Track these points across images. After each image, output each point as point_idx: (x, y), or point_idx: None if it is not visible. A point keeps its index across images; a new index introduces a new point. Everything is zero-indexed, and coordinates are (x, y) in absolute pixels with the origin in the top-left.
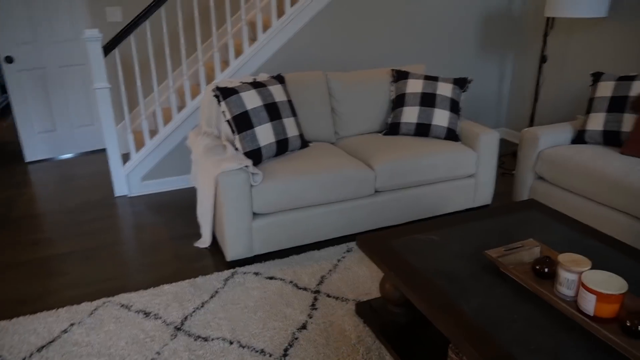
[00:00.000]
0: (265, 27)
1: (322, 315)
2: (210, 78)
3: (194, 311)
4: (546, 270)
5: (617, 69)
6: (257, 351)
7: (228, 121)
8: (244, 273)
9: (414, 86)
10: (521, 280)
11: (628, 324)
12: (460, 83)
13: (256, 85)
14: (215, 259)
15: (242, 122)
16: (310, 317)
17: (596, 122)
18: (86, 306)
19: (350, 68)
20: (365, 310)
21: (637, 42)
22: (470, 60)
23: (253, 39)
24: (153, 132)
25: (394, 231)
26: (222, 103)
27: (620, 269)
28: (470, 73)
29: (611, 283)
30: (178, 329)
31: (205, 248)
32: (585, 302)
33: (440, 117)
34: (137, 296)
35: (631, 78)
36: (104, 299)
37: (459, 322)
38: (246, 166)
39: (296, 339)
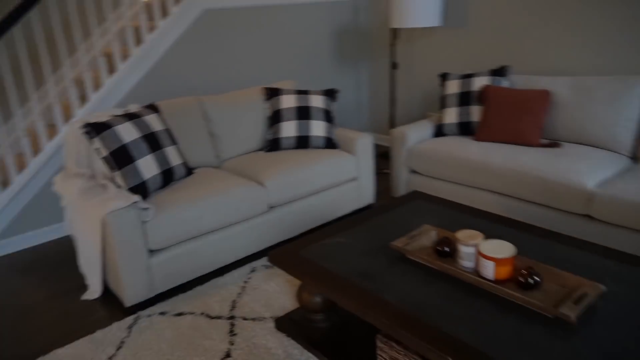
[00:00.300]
0: (124, 55)
1: (243, 340)
2: (66, 116)
3: None
4: (446, 249)
5: (456, 68)
6: None
7: (104, 158)
8: (149, 315)
9: (288, 101)
10: (428, 262)
11: (521, 280)
12: (330, 94)
13: (130, 116)
14: (111, 307)
15: (121, 157)
16: (232, 344)
17: (451, 116)
18: None
19: (220, 90)
20: (286, 324)
21: (467, 45)
22: (329, 72)
23: (111, 70)
24: (4, 183)
25: (301, 241)
26: (95, 139)
27: (503, 236)
28: (331, 84)
29: (503, 249)
30: None
31: (96, 299)
32: (485, 269)
33: (317, 128)
34: None
35: (472, 75)
36: None
37: (387, 313)
38: (135, 202)
39: None
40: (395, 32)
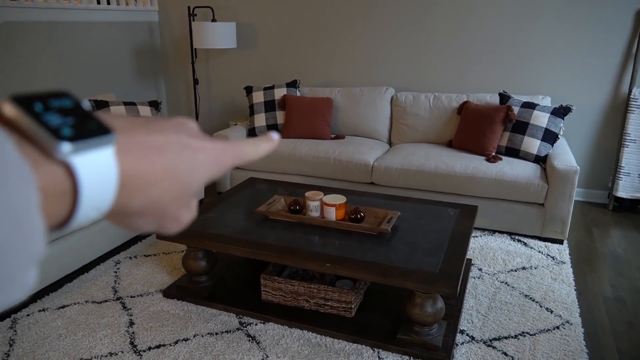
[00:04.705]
0: None
1: (140, 311)
2: None
3: None
4: (297, 207)
5: (249, 83)
6: (105, 356)
7: None
8: (27, 315)
9: (118, 112)
10: (286, 218)
11: (352, 217)
12: (155, 105)
13: None
14: None
15: None
16: (131, 315)
17: (260, 120)
18: None
19: None
20: (174, 291)
21: (257, 63)
22: (131, 87)
23: None
24: None
25: None
26: None
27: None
28: (136, 98)
29: (338, 199)
30: None
31: None
32: (329, 214)
33: None
34: None
35: (272, 87)
36: None
37: (272, 249)
38: None
39: (133, 332)
40: (195, 52)
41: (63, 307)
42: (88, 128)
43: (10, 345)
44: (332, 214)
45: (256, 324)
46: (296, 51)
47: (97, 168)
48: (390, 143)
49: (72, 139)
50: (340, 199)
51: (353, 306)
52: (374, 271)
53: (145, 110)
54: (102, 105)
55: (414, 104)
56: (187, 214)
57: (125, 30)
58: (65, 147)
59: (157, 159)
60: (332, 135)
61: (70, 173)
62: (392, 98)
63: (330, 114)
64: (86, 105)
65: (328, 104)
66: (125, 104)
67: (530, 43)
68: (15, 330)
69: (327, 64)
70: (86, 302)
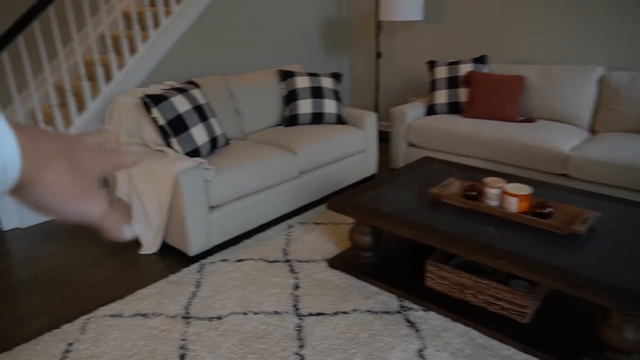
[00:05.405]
0: (144, 38)
1: (305, 276)
2: (93, 92)
3: (189, 301)
4: (474, 193)
5: (433, 58)
6: (271, 313)
7: (161, 127)
8: (212, 262)
9: (302, 82)
10: (461, 203)
11: (537, 211)
12: (336, 77)
13: (179, 90)
14: (173, 258)
15: (177, 126)
16: (297, 279)
17: (441, 97)
18: (70, 327)
19: (225, 72)
20: (338, 263)
21: (443, 38)
22: (317, 59)
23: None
24: None
25: (348, 194)
26: (154, 109)
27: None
28: (320, 70)
29: (522, 189)
30: (186, 317)
31: (153, 253)
32: (510, 204)
33: (330, 106)
34: (121, 305)
35: (457, 62)
36: (84, 318)
37: (441, 235)
38: (201, 163)
39: (297, 296)
40: (379, 25)
41: (240, 260)
42: None
43: (197, 287)
44: (513, 205)
45: (417, 311)
46: (487, 23)
47: None
48: (591, 131)
49: None
50: (525, 189)
51: (528, 312)
52: (560, 277)
53: (327, 81)
54: (288, 75)
55: (630, 86)
56: (98, 197)
57: (316, 2)
58: None
59: (48, 141)
60: (521, 118)
61: None
62: (600, 78)
63: (520, 94)
64: None
65: (519, 83)
66: (309, 74)
67: None
68: (202, 274)
69: (522, 38)
70: (259, 259)
